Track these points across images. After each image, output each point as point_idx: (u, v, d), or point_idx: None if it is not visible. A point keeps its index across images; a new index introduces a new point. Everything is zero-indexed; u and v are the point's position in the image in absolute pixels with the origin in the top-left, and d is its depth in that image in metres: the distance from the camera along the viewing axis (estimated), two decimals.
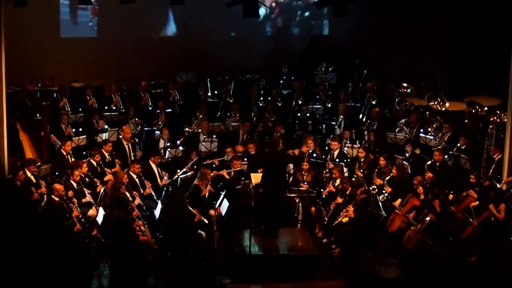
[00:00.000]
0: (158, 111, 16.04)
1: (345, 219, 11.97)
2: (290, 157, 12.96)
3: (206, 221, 11.89)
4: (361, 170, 13.49)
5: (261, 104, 17.04)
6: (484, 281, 7.24)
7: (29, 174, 12.30)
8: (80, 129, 14.92)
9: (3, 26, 12.58)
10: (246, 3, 12.35)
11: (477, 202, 11.81)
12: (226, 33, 18.64)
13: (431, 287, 7.13)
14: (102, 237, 11.60)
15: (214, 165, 13.51)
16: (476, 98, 15.32)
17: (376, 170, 13.21)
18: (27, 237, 7.93)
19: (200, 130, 15.18)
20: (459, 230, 11.66)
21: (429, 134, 14.83)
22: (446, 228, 11.80)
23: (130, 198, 11.96)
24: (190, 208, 11.84)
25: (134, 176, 12.77)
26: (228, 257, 11.64)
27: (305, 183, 13.05)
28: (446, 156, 13.55)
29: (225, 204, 11.98)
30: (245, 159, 13.44)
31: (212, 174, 12.70)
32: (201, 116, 15.92)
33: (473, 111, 15.06)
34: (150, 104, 16.71)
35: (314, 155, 13.84)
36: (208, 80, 17.77)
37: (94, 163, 13.17)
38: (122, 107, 16.53)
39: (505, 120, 13.48)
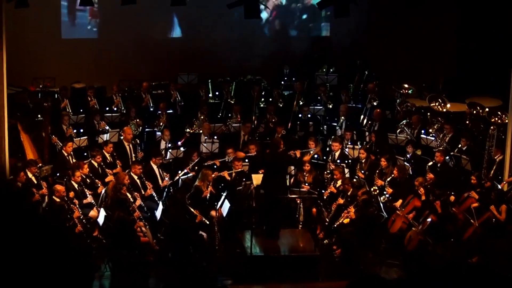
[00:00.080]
0: (159, 112, 16.04)
1: (346, 220, 11.96)
2: (291, 159, 12.95)
3: (207, 222, 11.89)
4: (362, 171, 13.48)
5: (262, 105, 17.04)
6: (485, 282, 7.22)
7: (30, 175, 12.28)
8: (81, 130, 14.93)
9: (5, 27, 12.58)
10: (247, 4, 12.34)
11: (478, 203, 11.80)
12: (227, 34, 18.64)
13: None
14: (103, 238, 11.57)
15: (215, 166, 13.50)
16: (477, 99, 15.30)
17: (377, 171, 13.20)
18: (28, 238, 7.91)
19: (201, 131, 15.17)
20: (460, 231, 11.64)
21: (430, 135, 14.81)
22: (447, 229, 11.78)
23: (131, 199, 11.95)
24: (191, 209, 11.84)
25: (135, 177, 12.76)
26: (229, 258, 11.62)
27: (306, 184, 13.06)
28: (447, 157, 13.53)
29: (226, 205, 11.96)
30: (246, 160, 13.44)
31: (213, 175, 12.67)
32: (202, 117, 15.91)
33: (474, 112, 15.04)
34: (151, 105, 16.72)
35: (315, 156, 13.84)
36: (209, 81, 17.76)
37: (95, 164, 13.17)
38: (123, 108, 16.54)
39: (506, 121, 13.48)
